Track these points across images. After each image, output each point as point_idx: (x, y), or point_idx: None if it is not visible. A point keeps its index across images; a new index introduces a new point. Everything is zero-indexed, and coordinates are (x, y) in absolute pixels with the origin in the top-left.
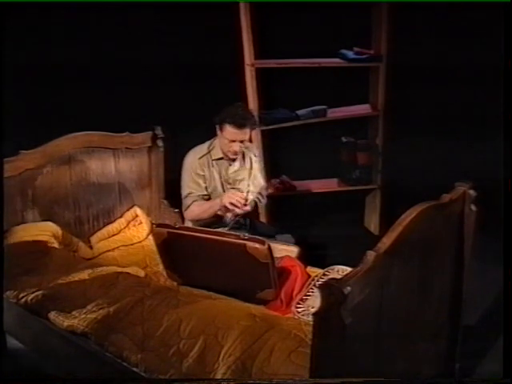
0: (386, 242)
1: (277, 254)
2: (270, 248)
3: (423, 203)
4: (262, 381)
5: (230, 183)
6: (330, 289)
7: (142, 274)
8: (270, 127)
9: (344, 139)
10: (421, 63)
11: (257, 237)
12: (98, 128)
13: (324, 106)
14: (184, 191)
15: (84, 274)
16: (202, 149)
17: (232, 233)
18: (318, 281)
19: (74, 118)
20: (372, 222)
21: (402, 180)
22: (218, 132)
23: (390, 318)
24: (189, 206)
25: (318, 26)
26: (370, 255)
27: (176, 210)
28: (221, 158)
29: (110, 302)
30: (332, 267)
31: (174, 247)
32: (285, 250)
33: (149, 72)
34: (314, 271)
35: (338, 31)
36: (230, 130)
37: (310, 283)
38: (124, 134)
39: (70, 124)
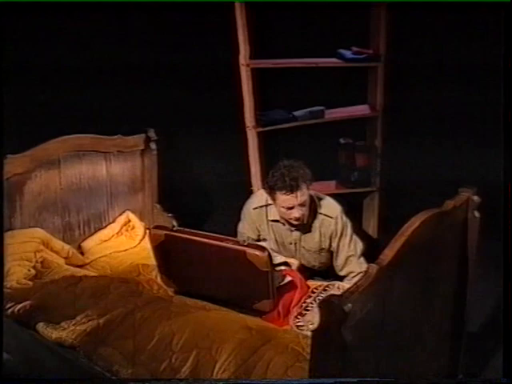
0: (389, 253)
1: (277, 262)
2: (270, 256)
3: (426, 211)
4: (261, 381)
5: (292, 249)
6: (330, 306)
7: (134, 282)
8: (267, 129)
9: (342, 141)
10: (421, 63)
11: (257, 243)
12: (88, 130)
13: (321, 107)
14: (240, 230)
15: (74, 284)
16: (260, 198)
17: (232, 238)
18: (317, 296)
19: (63, 121)
20: (370, 225)
21: (401, 183)
22: (270, 199)
23: (391, 331)
24: None
25: (315, 25)
26: (372, 268)
27: (169, 215)
28: (277, 221)
29: (100, 313)
30: (333, 283)
31: (171, 251)
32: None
33: (142, 73)
34: (313, 284)
35: (336, 30)
36: (283, 198)
37: (309, 296)
38: (116, 136)
39: (60, 127)
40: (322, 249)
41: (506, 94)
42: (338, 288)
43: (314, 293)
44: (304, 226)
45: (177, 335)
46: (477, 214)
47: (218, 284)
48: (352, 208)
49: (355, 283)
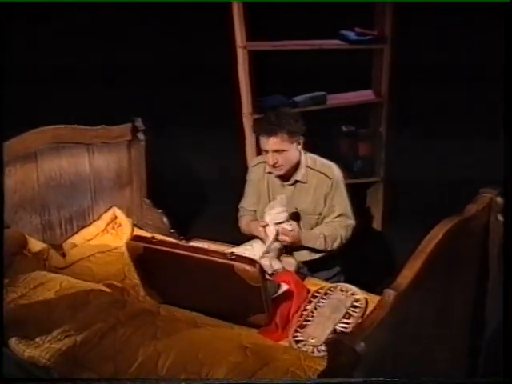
0: (408, 275)
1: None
2: (261, 269)
3: (447, 220)
4: (261, 381)
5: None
6: (339, 348)
7: (117, 288)
8: None
9: (344, 128)
10: (428, 46)
11: (246, 256)
12: (69, 121)
13: (323, 92)
14: (241, 204)
15: (50, 293)
16: (259, 156)
17: (218, 251)
18: (319, 302)
19: (40, 111)
20: (374, 218)
21: (406, 172)
22: None
23: (406, 357)
24: (239, 219)
25: (316, 4)
26: (389, 296)
27: (160, 211)
28: (271, 172)
29: (77, 328)
30: (335, 285)
31: (152, 264)
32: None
33: (129, 58)
34: (314, 283)
35: (339, 10)
36: (261, 139)
37: (309, 301)
38: (99, 126)
39: (36, 117)
40: (315, 211)
41: (506, 93)
42: (340, 290)
43: (314, 297)
44: (298, 183)
45: (162, 356)
46: (500, 217)
47: (207, 298)
48: (354, 199)
49: (368, 315)
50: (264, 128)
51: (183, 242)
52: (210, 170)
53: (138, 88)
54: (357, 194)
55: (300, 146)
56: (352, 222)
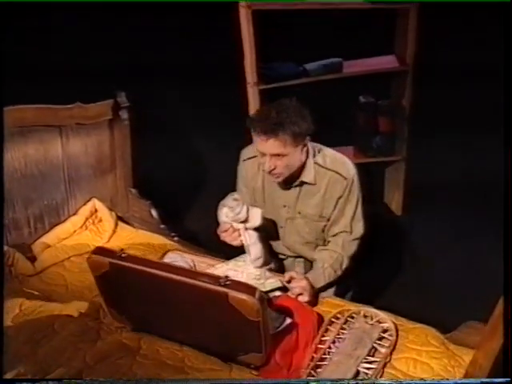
0: (485, 364)
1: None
2: (261, 299)
3: None
4: (266, 380)
5: (283, 215)
6: None
7: (91, 308)
8: (272, 86)
9: (362, 99)
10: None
11: (244, 282)
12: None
13: (339, 59)
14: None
15: (7, 318)
16: (252, 148)
17: (208, 273)
18: (338, 333)
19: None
20: (394, 200)
21: (430, 150)
22: None
23: None
24: None
25: None
26: None
27: (148, 202)
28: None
29: (35, 372)
30: (358, 309)
31: (120, 283)
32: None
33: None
34: (332, 302)
35: None
36: (255, 139)
37: (326, 329)
38: (73, 104)
39: None
40: (322, 216)
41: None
42: (364, 317)
43: (332, 323)
44: (304, 184)
45: None
46: None
47: (190, 329)
48: (372, 179)
49: None
50: (262, 126)
51: (176, 243)
52: (207, 153)
53: (123, 59)
54: (375, 174)
55: (306, 148)
56: (359, 231)
